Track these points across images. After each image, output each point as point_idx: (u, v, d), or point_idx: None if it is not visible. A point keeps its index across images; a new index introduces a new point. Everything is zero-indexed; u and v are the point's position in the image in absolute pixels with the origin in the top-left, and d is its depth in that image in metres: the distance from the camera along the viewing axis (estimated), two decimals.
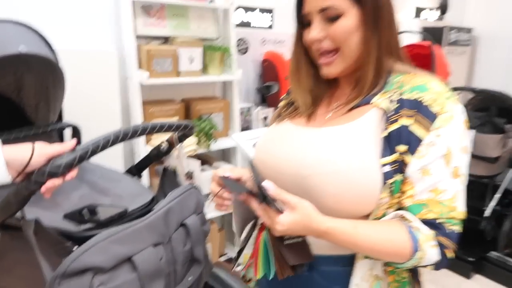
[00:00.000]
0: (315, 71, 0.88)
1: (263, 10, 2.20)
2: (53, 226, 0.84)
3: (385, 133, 0.76)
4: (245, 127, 2.17)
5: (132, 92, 1.70)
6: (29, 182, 0.68)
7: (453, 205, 0.75)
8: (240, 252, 0.89)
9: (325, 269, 0.84)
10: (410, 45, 2.34)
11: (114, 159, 1.66)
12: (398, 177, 0.76)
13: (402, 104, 0.77)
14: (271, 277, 0.81)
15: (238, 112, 2.05)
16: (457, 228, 0.76)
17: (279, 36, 2.29)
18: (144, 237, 0.82)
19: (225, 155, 2.19)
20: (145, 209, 0.96)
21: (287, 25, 2.24)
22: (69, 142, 0.72)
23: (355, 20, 0.79)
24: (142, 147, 1.70)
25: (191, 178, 1.06)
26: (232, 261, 0.97)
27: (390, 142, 0.76)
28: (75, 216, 0.90)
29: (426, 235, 0.75)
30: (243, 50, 2.16)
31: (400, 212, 0.77)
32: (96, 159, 1.31)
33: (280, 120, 0.95)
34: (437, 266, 0.77)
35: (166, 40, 1.85)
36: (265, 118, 2.16)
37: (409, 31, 2.40)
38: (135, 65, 1.68)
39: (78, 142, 1.24)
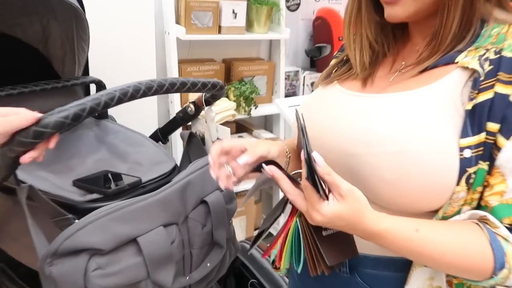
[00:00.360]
0: (379, 19, 0.68)
1: None
2: (57, 194, 0.74)
3: (470, 105, 0.56)
4: (291, 93, 1.98)
5: (169, 49, 1.56)
6: (13, 143, 0.56)
7: None
8: (260, 235, 0.72)
9: (371, 273, 0.68)
10: None
11: (148, 122, 1.56)
12: (482, 165, 0.56)
13: (499, 65, 0.55)
14: (299, 270, 0.65)
15: (283, 76, 1.86)
16: None
17: None
18: (153, 215, 0.70)
19: (268, 123, 2.03)
20: (163, 181, 0.83)
21: None
22: (32, 113, 0.57)
23: None
24: (178, 108, 1.58)
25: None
26: (267, 237, 0.79)
27: (476, 118, 0.56)
28: (84, 184, 0.79)
29: None
30: (294, 7, 1.94)
31: (480, 212, 0.57)
32: (129, 119, 1.21)
33: (328, 82, 0.76)
34: None
35: None
36: (313, 83, 1.95)
37: None
38: (173, 18, 1.53)
39: None
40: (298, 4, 1.95)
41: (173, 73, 1.57)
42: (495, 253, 0.55)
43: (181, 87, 0.75)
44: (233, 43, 1.79)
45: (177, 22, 1.57)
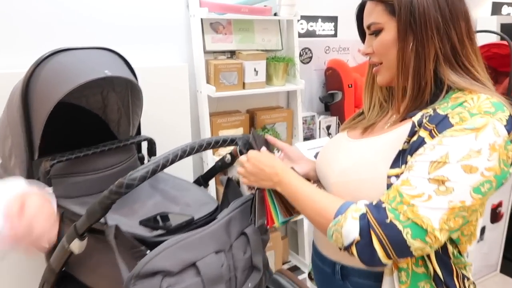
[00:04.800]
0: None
1: (326, 19, 2.22)
2: (130, 231, 0.96)
3: (402, 146, 0.77)
4: (309, 135, 2.19)
5: (201, 105, 1.81)
6: (111, 192, 0.79)
7: (412, 202, 0.69)
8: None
9: (357, 281, 0.87)
10: (487, 44, 2.20)
11: (185, 168, 1.79)
12: None
13: (430, 118, 0.75)
14: (280, 221, 0.93)
15: (301, 121, 2.08)
16: (398, 225, 0.68)
17: (343, 43, 2.29)
18: (207, 244, 0.90)
19: None
20: (210, 218, 1.04)
21: (351, 32, 2.22)
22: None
23: (393, 33, 0.79)
24: (210, 157, 1.81)
25: (253, 188, 1.12)
26: (295, 269, 1.07)
27: (404, 155, 0.76)
28: (149, 223, 1.00)
29: (357, 206, 0.74)
30: (307, 60, 2.20)
31: None
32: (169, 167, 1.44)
33: (342, 129, 1.00)
34: (361, 254, 0.71)
35: (232, 53, 1.95)
36: (328, 127, 2.16)
37: (485, 30, 2.26)
38: (204, 79, 1.79)
39: (153, 154, 1.37)
40: (310, 57, 2.20)
41: (205, 125, 1.82)
42: (341, 207, 0.75)
43: (223, 143, 0.98)
44: (256, 95, 2.04)
45: (208, 82, 1.83)
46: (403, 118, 0.83)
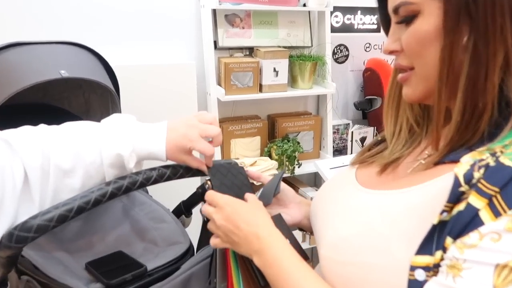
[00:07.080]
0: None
1: (366, 10, 1.88)
2: (63, 282, 0.73)
3: (438, 218, 0.45)
4: (341, 147, 1.87)
5: (211, 109, 1.57)
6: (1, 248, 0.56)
7: None
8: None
9: None
10: None
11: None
12: None
13: (487, 173, 0.43)
14: None
15: (331, 131, 1.77)
16: None
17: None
18: None
19: (317, 179, 1.93)
20: (171, 267, 0.79)
21: None
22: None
23: (435, 20, 0.49)
24: None
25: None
26: None
27: (441, 232, 0.45)
28: (94, 269, 0.77)
29: None
30: (342, 58, 1.87)
31: None
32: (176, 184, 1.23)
33: (353, 164, 0.69)
34: None
35: (251, 50, 1.69)
36: (363, 139, 1.83)
37: None
38: (214, 79, 1.55)
39: None
40: (347, 56, 1.88)
41: None
42: None
43: (172, 175, 0.73)
44: (277, 99, 1.76)
45: (219, 83, 1.58)
46: (441, 160, 0.52)
